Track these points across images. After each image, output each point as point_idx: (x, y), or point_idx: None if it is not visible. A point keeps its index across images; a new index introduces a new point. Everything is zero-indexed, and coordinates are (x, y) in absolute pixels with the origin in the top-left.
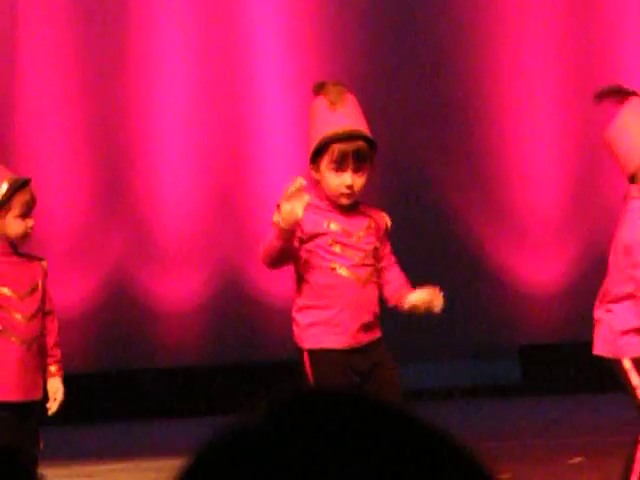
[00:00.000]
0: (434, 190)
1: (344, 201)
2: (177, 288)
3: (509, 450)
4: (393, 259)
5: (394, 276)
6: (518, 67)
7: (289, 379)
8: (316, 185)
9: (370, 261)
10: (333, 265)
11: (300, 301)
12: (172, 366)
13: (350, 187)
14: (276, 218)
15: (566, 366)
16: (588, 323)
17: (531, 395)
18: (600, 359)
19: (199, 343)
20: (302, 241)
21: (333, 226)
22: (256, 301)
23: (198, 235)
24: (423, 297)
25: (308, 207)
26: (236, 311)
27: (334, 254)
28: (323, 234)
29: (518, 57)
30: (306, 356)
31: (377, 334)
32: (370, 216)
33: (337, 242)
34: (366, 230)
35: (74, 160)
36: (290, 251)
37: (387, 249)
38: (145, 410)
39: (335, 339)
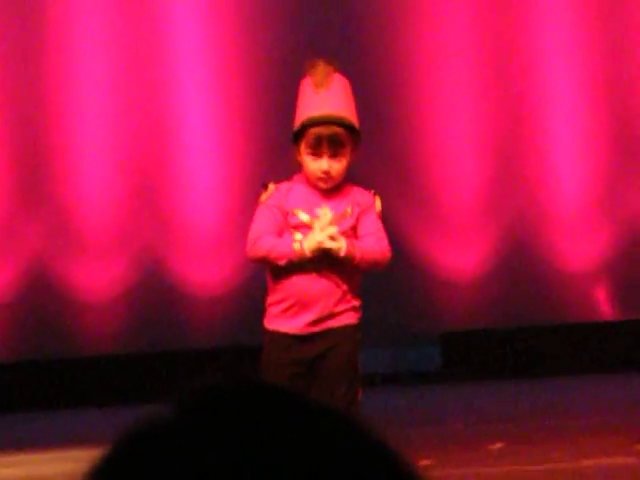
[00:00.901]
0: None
1: (322, 185)
2: (97, 277)
3: (430, 436)
4: (370, 231)
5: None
6: (437, 60)
7: (211, 367)
8: (300, 167)
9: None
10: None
11: (267, 280)
12: (92, 355)
13: (326, 172)
14: (298, 247)
15: (486, 352)
16: (508, 309)
17: (452, 381)
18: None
19: (119, 332)
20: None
21: (301, 215)
22: (177, 290)
23: (118, 224)
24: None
25: (281, 193)
26: (157, 300)
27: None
28: (288, 220)
29: (437, 51)
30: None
31: (339, 322)
32: (353, 198)
33: (299, 229)
34: (339, 219)
35: None
36: None
37: (369, 229)
38: (65, 400)
39: (285, 323)
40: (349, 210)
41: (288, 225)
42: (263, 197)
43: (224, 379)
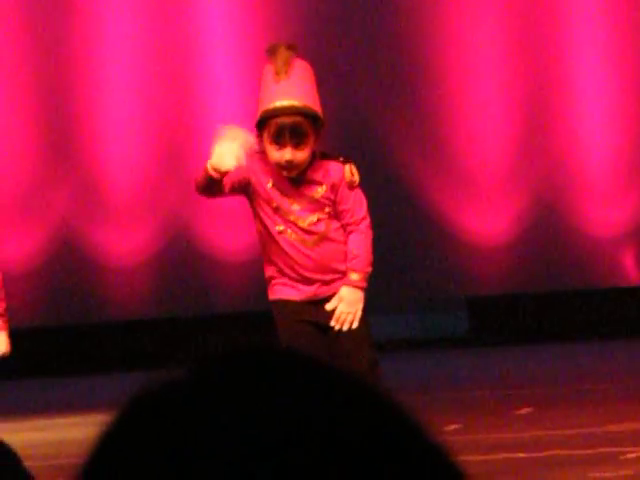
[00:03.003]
0: (381, 146)
1: (287, 174)
2: (125, 242)
3: (458, 401)
4: (349, 221)
5: (347, 246)
6: (464, 30)
7: (241, 331)
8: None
9: (320, 226)
10: (278, 227)
11: (262, 254)
12: (121, 319)
13: (290, 162)
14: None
15: (513, 317)
16: (535, 274)
17: (479, 346)
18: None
19: (146, 297)
20: (249, 194)
21: (275, 191)
22: (204, 255)
23: (145, 190)
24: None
25: (256, 159)
26: (184, 265)
27: (278, 216)
28: (266, 195)
29: (464, 22)
30: (272, 307)
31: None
32: (324, 175)
33: (280, 207)
34: (314, 196)
35: (21, 117)
36: (218, 189)
37: (343, 205)
38: (96, 363)
39: (288, 291)
40: (320, 190)
41: (269, 199)
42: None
43: (240, 344)
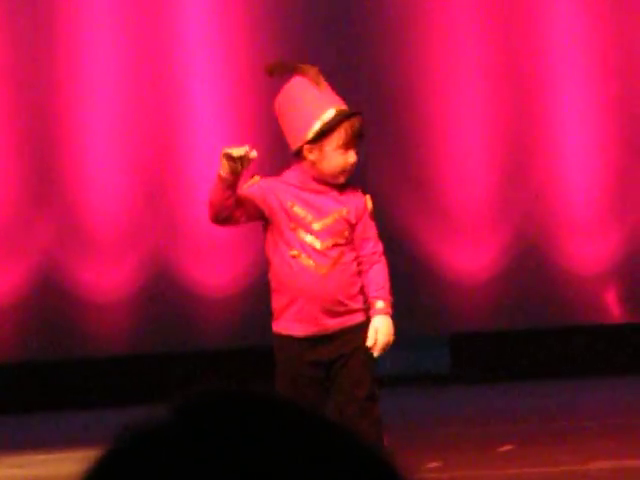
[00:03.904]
0: (361, 182)
1: (343, 179)
2: (106, 278)
3: (439, 438)
4: (371, 250)
5: (369, 276)
6: (447, 61)
7: (220, 369)
8: (303, 169)
9: (335, 252)
10: (293, 252)
11: (270, 283)
12: (102, 355)
13: (354, 164)
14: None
15: (495, 354)
16: (517, 311)
17: (461, 383)
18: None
19: (128, 333)
20: (265, 217)
21: (297, 209)
22: (186, 290)
23: (128, 225)
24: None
25: (274, 180)
26: (165, 301)
27: (294, 239)
28: (285, 215)
29: (447, 51)
30: (274, 340)
31: (351, 321)
32: (347, 199)
33: (299, 226)
34: (336, 216)
35: (1, 147)
36: (232, 209)
37: (366, 234)
38: (73, 400)
39: (295, 326)
40: (344, 211)
41: (288, 219)
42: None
43: (221, 385)
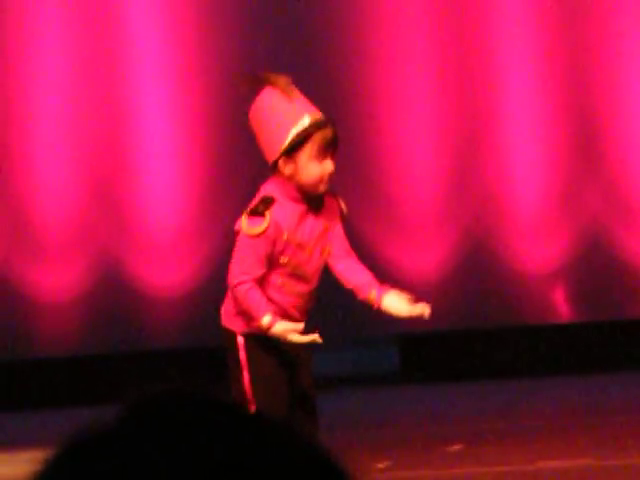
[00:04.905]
0: None
1: (322, 189)
2: (54, 279)
3: (388, 438)
4: (347, 245)
5: (356, 268)
6: (393, 59)
7: (172, 368)
8: (282, 181)
9: (318, 274)
10: (280, 280)
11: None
12: (51, 356)
13: (332, 174)
14: (266, 322)
15: (444, 354)
16: (466, 311)
17: (410, 383)
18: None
19: (77, 334)
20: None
21: (290, 243)
22: (136, 291)
23: (76, 225)
24: (402, 311)
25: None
26: (115, 302)
27: (284, 266)
28: (279, 248)
29: (395, 47)
30: (241, 340)
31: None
32: (327, 211)
33: (288, 256)
34: (320, 236)
35: None
36: None
37: (343, 232)
38: (22, 401)
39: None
40: (328, 225)
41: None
42: (258, 229)
43: (170, 385)
